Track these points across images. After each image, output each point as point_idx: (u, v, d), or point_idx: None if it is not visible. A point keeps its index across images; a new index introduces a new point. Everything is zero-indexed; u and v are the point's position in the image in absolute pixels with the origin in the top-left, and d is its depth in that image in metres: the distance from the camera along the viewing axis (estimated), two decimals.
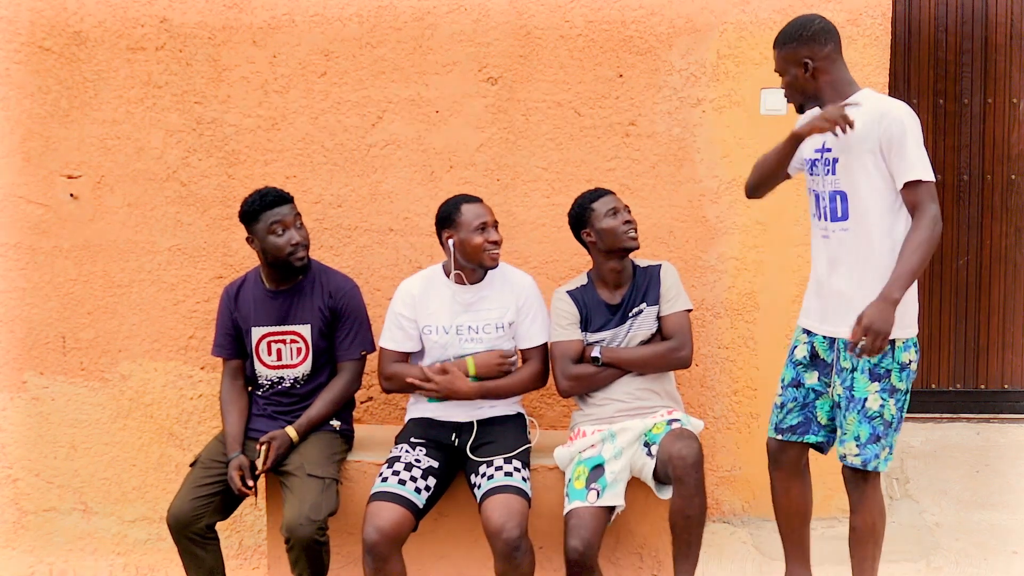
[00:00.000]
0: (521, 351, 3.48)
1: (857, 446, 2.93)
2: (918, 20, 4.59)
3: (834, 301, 2.98)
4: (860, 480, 2.98)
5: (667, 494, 3.19)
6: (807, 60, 2.92)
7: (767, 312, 3.95)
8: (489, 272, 3.42)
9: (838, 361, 2.99)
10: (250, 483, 3.33)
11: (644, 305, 3.41)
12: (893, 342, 2.89)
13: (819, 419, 3.09)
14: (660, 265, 3.48)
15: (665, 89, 3.90)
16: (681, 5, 3.87)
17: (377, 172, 3.98)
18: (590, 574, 3.13)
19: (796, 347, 3.14)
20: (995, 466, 4.39)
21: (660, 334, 3.42)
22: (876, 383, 2.91)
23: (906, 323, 2.91)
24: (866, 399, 2.91)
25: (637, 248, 3.42)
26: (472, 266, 3.39)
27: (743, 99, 3.88)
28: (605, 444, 3.30)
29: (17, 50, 4.00)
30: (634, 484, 3.29)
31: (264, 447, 3.33)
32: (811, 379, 3.08)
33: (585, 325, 3.42)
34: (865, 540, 3.00)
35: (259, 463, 3.32)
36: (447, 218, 3.39)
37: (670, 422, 3.27)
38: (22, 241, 4.06)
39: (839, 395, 2.98)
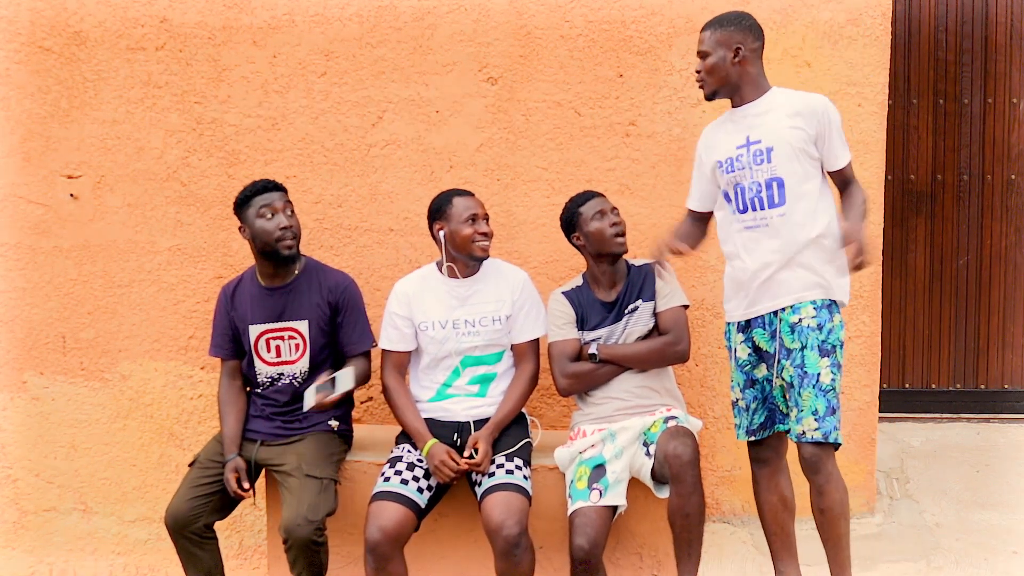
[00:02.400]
0: (515, 346, 3.48)
1: (816, 420, 2.97)
2: (918, 20, 4.60)
3: (769, 284, 3.06)
4: (822, 458, 3.00)
5: (665, 493, 3.19)
6: (739, 46, 3.05)
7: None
8: (483, 266, 3.44)
9: (782, 345, 3.05)
10: (246, 485, 3.33)
11: (640, 301, 3.42)
12: (832, 315, 3.02)
13: (780, 408, 3.14)
14: (654, 264, 3.47)
15: (665, 89, 3.90)
16: (681, 5, 3.87)
17: (377, 172, 3.98)
18: (595, 573, 3.14)
19: (735, 349, 3.19)
20: (995, 466, 4.39)
21: (657, 330, 3.42)
22: (826, 358, 2.99)
23: (842, 284, 3.07)
24: (819, 374, 2.98)
25: (624, 252, 3.43)
26: (463, 258, 3.41)
27: None
28: (606, 444, 3.30)
29: (17, 50, 4.00)
30: (634, 484, 3.29)
31: (327, 382, 3.32)
32: (761, 372, 3.15)
33: (581, 324, 3.44)
34: (837, 518, 3.03)
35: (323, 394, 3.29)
36: (438, 210, 3.42)
37: (667, 420, 3.27)
38: (22, 241, 4.06)
39: (790, 376, 3.02)
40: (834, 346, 3.02)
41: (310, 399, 3.29)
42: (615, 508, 3.22)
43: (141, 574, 4.09)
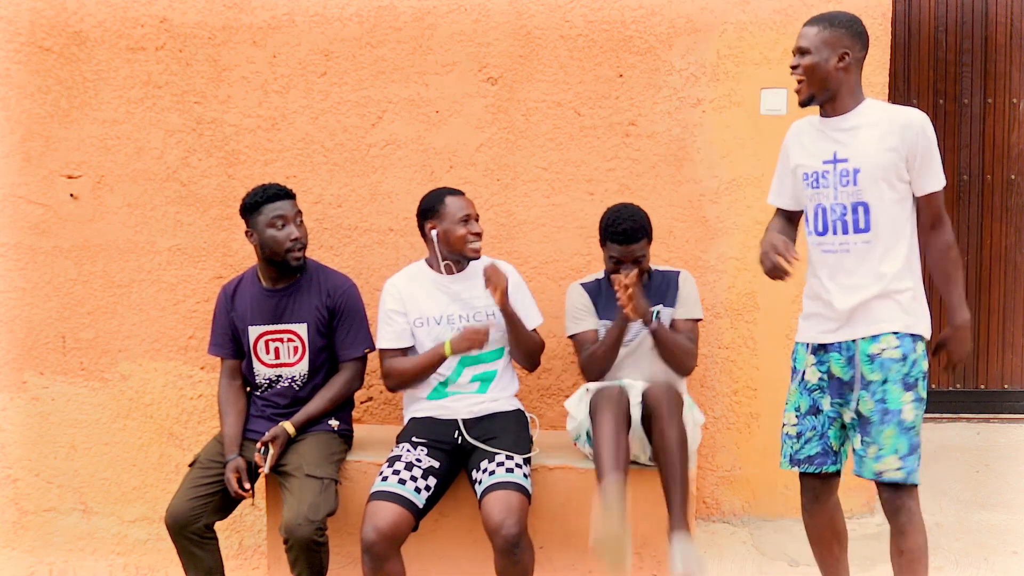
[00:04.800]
0: None
1: (899, 459, 2.79)
2: (918, 20, 4.59)
3: (852, 313, 2.86)
4: (904, 498, 2.83)
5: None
6: (847, 51, 2.83)
7: (767, 312, 3.95)
8: (472, 262, 3.47)
9: (861, 375, 2.85)
10: (247, 485, 3.33)
11: (661, 306, 3.49)
12: (916, 348, 2.84)
13: (833, 447, 2.96)
14: (679, 272, 3.58)
15: (665, 89, 3.90)
16: (681, 5, 3.87)
17: (377, 172, 3.98)
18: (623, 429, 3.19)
19: (804, 372, 2.98)
20: (995, 466, 4.39)
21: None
22: (910, 392, 2.81)
23: (927, 324, 2.89)
24: (902, 410, 2.80)
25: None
26: (453, 257, 3.43)
27: (743, 99, 3.88)
28: None
29: (17, 50, 4.00)
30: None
31: (264, 447, 3.33)
32: (826, 404, 2.94)
33: (597, 314, 3.52)
34: (917, 561, 2.84)
35: (263, 463, 3.31)
36: (430, 209, 3.43)
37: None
38: (22, 241, 4.06)
39: (869, 410, 2.82)
40: (917, 379, 2.83)
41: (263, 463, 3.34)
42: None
43: (141, 574, 4.08)
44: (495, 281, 3.30)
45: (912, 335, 2.84)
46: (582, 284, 3.58)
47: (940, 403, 4.80)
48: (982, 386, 4.78)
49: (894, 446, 2.80)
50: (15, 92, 4.01)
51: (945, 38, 4.60)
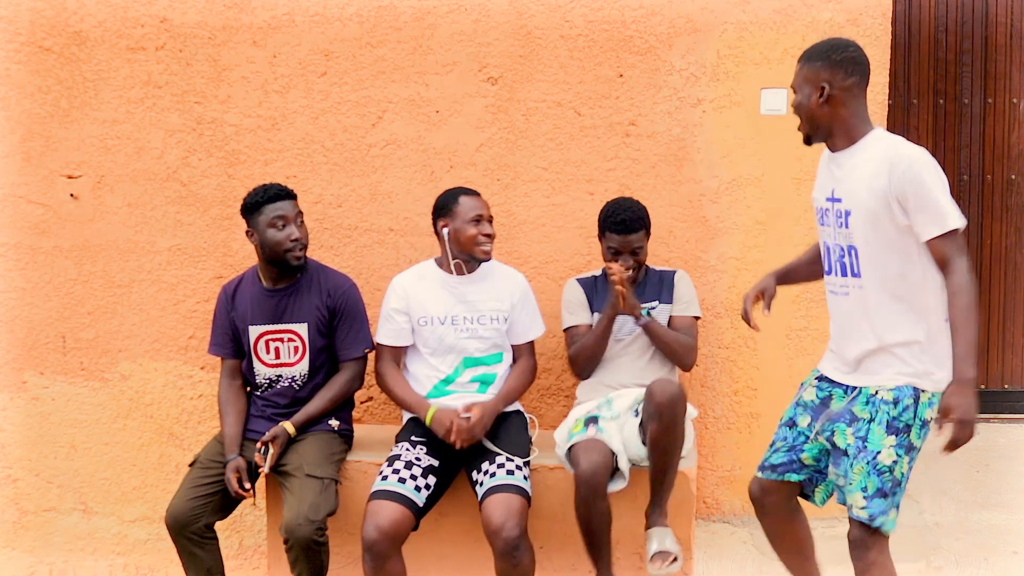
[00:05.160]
0: (514, 347, 3.54)
1: (864, 498, 2.68)
2: (918, 20, 4.59)
3: (858, 358, 2.75)
4: (867, 543, 2.72)
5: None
6: (825, 84, 2.66)
7: None
8: (483, 266, 3.47)
9: (850, 410, 2.74)
10: (247, 485, 3.33)
11: (657, 303, 3.54)
12: (918, 396, 2.67)
13: (803, 460, 2.89)
14: (675, 272, 3.64)
15: (665, 89, 3.90)
16: (681, 5, 3.87)
17: (377, 172, 3.98)
18: (601, 501, 3.18)
19: (805, 388, 2.93)
20: (995, 466, 4.39)
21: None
22: (893, 436, 2.67)
23: (936, 378, 2.68)
24: (879, 452, 2.67)
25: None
26: (463, 257, 3.43)
27: (743, 99, 3.88)
28: (601, 409, 3.40)
29: (17, 50, 4.00)
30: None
31: (265, 447, 3.33)
32: (804, 422, 2.88)
33: (592, 308, 3.57)
34: None
35: (263, 463, 3.31)
36: (444, 207, 3.44)
37: None
38: (22, 241, 4.06)
39: (847, 444, 2.72)
40: (908, 425, 2.66)
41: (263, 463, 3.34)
42: (614, 467, 3.26)
43: (141, 574, 4.08)
44: (457, 429, 3.28)
45: (915, 388, 2.69)
46: (578, 279, 3.65)
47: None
48: (982, 386, 4.77)
49: (862, 483, 2.68)
50: (15, 92, 4.01)
51: (945, 38, 4.60)
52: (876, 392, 2.70)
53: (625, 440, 3.32)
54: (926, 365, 2.68)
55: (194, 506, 3.31)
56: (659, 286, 3.58)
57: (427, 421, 3.32)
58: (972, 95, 4.63)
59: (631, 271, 3.47)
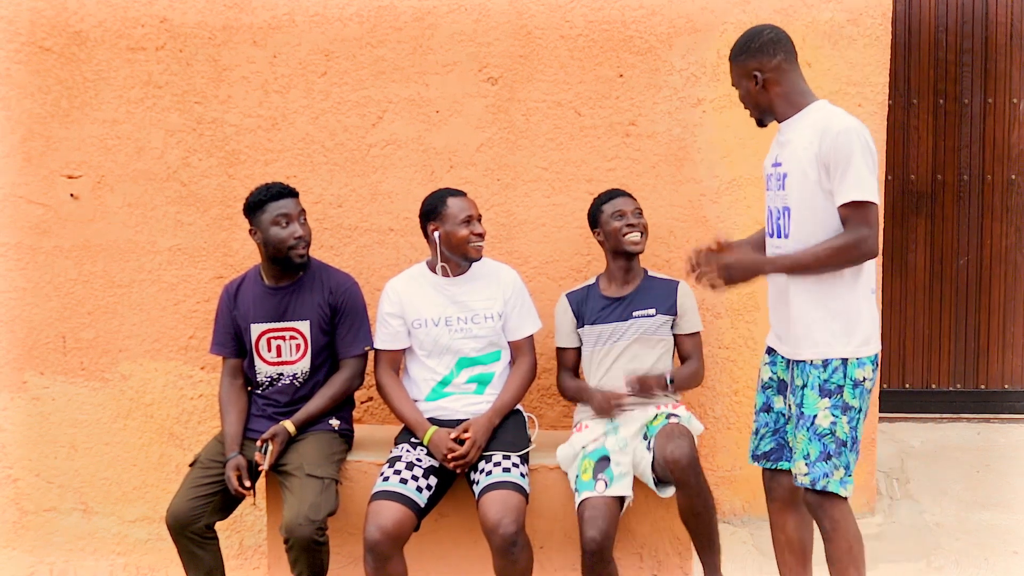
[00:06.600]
0: (512, 345, 3.53)
1: (806, 464, 2.77)
2: (918, 20, 4.60)
3: (787, 323, 2.87)
4: (823, 505, 2.78)
5: (667, 493, 3.22)
6: (756, 72, 2.85)
7: (767, 312, 3.94)
8: (473, 265, 3.48)
9: (792, 379, 2.87)
10: (247, 483, 3.33)
11: (654, 311, 3.49)
12: (845, 360, 2.76)
13: (790, 442, 2.95)
14: (678, 282, 3.59)
15: (665, 89, 3.90)
16: (681, 5, 3.87)
17: (377, 172, 3.98)
18: (607, 566, 3.14)
19: (762, 368, 3.06)
20: (995, 466, 4.39)
21: (676, 350, 3.55)
22: (827, 399, 2.75)
23: (858, 341, 2.78)
24: (816, 416, 2.76)
25: (638, 253, 3.51)
26: (456, 258, 3.43)
27: None
28: (608, 436, 3.33)
29: (17, 50, 4.00)
30: (635, 483, 3.29)
31: (265, 445, 3.34)
32: (779, 403, 2.98)
33: (580, 322, 3.55)
34: (845, 569, 2.79)
35: (263, 461, 3.31)
36: (432, 211, 3.44)
37: (668, 416, 3.30)
38: (22, 241, 4.06)
39: (791, 413, 2.85)
40: (840, 387, 2.76)
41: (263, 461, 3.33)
42: (622, 500, 3.23)
43: (141, 574, 4.09)
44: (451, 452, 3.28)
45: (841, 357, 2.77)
46: (568, 295, 3.61)
47: (940, 403, 4.80)
48: (982, 386, 4.78)
49: (804, 450, 2.78)
50: (15, 92, 4.01)
51: (945, 38, 4.61)
52: (806, 358, 2.80)
53: (635, 463, 3.28)
54: (848, 334, 2.77)
55: (194, 506, 3.31)
56: (658, 295, 3.53)
57: (424, 442, 3.34)
58: (972, 95, 4.63)
59: (642, 236, 3.47)
